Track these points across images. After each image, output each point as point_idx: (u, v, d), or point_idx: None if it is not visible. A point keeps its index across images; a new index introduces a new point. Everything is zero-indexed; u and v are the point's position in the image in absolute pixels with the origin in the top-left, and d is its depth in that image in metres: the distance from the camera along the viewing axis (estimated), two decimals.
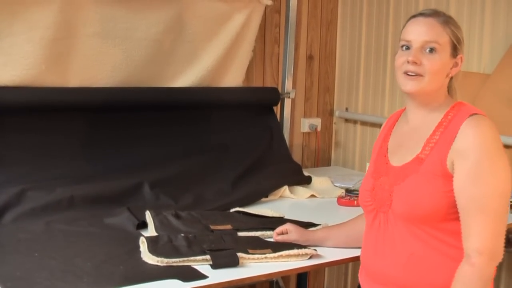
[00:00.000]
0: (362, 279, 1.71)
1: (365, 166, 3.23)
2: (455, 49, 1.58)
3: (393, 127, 1.73)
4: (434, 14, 1.58)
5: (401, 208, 1.56)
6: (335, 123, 3.44)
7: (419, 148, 1.57)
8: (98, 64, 2.46)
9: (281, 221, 2.09)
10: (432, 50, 1.55)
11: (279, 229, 1.90)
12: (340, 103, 3.39)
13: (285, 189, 2.51)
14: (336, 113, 3.39)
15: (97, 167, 2.35)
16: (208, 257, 1.72)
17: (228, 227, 1.98)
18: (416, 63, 1.55)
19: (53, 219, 2.05)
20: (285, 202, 2.47)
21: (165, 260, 1.69)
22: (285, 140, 2.88)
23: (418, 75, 1.55)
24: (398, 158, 1.62)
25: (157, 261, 1.70)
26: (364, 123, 3.26)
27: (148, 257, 1.72)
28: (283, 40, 3.10)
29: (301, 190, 2.55)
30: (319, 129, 3.33)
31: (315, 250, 1.81)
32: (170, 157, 2.51)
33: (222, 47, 2.72)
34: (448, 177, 1.51)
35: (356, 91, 3.27)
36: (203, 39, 2.68)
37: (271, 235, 1.97)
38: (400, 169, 1.59)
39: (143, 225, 2.02)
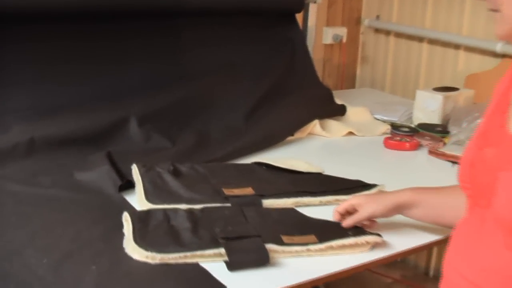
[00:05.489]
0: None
1: (397, 89, 2.60)
2: None
3: None
4: None
5: (506, 209, 0.89)
6: (362, 34, 2.75)
7: None
8: None
9: (318, 179, 1.47)
10: None
11: (342, 207, 1.24)
12: (370, 10, 2.69)
13: (315, 125, 1.86)
14: (365, 22, 2.69)
15: (65, 96, 1.67)
16: (222, 250, 1.10)
17: (249, 191, 1.35)
18: None
19: (5, 173, 1.41)
20: (314, 143, 1.83)
21: (158, 256, 1.08)
22: (310, 58, 2.19)
23: (494, 11, 0.92)
24: None
25: (146, 257, 1.08)
26: (399, 34, 2.58)
27: (133, 249, 1.10)
28: None
29: (335, 126, 1.90)
30: (344, 40, 2.65)
31: (379, 235, 1.19)
32: (163, 82, 1.83)
33: None
34: None
35: None
36: None
37: (309, 202, 1.35)
38: None
39: (129, 184, 1.38)
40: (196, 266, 1.08)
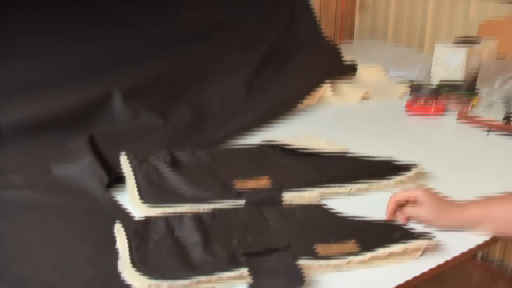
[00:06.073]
0: None
1: (401, 39, 2.34)
2: None
3: None
4: None
5: None
6: None
7: None
8: None
9: (344, 162, 1.22)
10: None
11: (403, 196, 1.02)
12: None
13: (325, 89, 1.60)
14: None
15: (35, 72, 1.40)
16: (243, 271, 0.86)
17: (264, 183, 1.11)
18: None
19: None
20: (326, 110, 1.58)
21: (165, 284, 0.83)
22: (312, 10, 1.90)
23: None
24: None
25: (150, 286, 0.84)
26: None
27: (132, 276, 0.85)
28: None
29: (348, 90, 1.65)
30: None
31: (431, 237, 0.95)
32: (149, 49, 1.55)
33: None
34: None
35: None
36: None
37: (337, 193, 1.11)
38: None
39: (118, 178, 1.13)
40: None
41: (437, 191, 1.02)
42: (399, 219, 1.03)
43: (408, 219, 1.03)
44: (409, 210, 1.02)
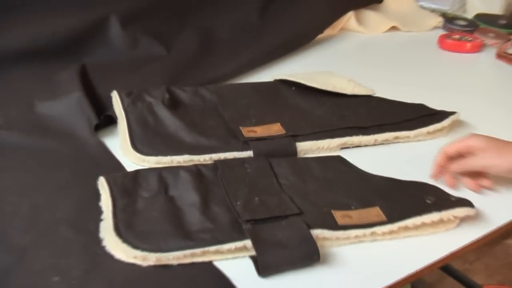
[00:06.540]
0: None
1: None
2: None
3: None
4: None
5: None
6: None
7: None
8: None
9: (369, 106, 1.05)
10: None
11: (453, 148, 0.87)
12: None
13: (349, 18, 1.42)
14: None
15: None
16: (247, 242, 0.71)
17: (276, 129, 0.95)
18: None
19: None
20: (348, 41, 1.40)
21: (153, 255, 0.69)
22: None
23: None
24: None
25: (135, 257, 0.69)
26: None
27: (115, 245, 0.71)
28: None
29: (374, 19, 1.45)
30: None
31: (471, 205, 0.80)
32: None
33: None
34: None
35: None
36: None
37: (360, 143, 0.95)
38: None
39: (109, 120, 0.98)
40: (209, 268, 0.71)
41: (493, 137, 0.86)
42: (446, 178, 0.87)
43: (453, 180, 0.87)
44: (462, 163, 0.85)
